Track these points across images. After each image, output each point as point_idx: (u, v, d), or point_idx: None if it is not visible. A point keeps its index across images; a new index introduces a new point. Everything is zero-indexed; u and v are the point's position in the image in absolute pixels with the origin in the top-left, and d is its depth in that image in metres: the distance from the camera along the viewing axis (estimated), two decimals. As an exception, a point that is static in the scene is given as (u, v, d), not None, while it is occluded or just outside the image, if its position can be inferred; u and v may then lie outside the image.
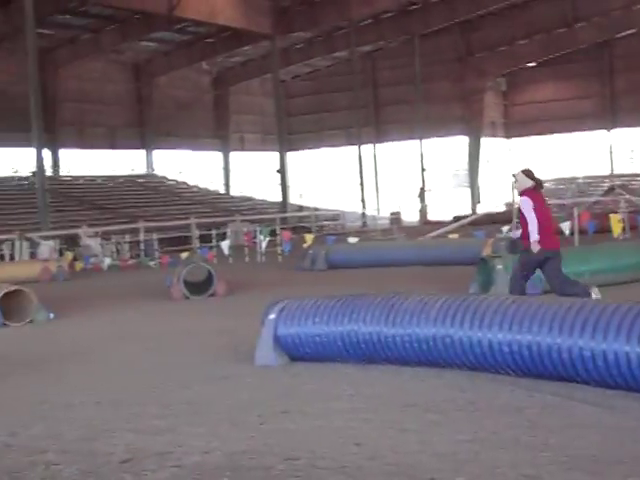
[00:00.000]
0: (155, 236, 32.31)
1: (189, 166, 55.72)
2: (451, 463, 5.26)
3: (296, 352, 8.87)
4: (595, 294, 10.14)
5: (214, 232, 33.52)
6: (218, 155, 59.60)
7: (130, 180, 49.78)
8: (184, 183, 52.57)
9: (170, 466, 5.55)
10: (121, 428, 6.60)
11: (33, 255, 28.09)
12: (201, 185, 53.52)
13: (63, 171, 48.58)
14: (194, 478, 5.30)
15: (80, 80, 48.98)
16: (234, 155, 60.11)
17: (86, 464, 5.71)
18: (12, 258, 28.04)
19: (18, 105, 41.13)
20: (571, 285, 10.44)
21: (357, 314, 8.42)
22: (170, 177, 53.02)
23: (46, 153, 37.62)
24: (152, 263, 27.91)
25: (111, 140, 51.39)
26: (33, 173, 37.55)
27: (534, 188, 10.51)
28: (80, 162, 49.92)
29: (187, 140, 55.69)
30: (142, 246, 31.71)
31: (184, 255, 23.85)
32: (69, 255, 27.36)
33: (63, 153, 48.66)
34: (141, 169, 53.39)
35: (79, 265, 26.70)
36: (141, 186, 48.96)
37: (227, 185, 59.15)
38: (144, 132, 53.29)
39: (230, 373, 8.68)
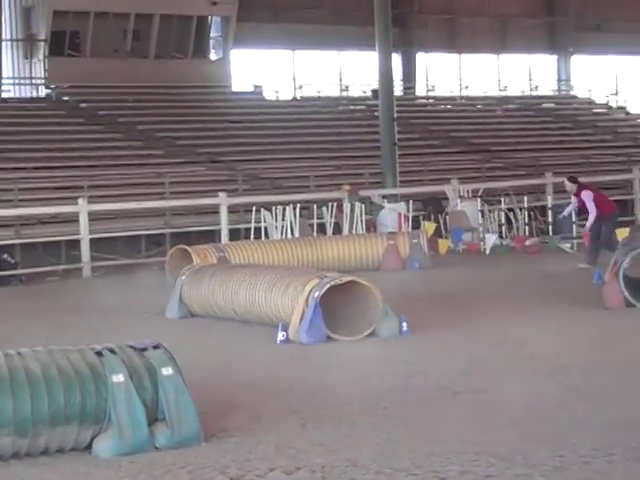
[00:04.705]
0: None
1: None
2: None
3: None
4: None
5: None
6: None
7: (531, 103, 50.25)
8: (613, 109, 52.11)
9: None
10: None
11: (371, 225, 28.88)
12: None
13: (421, 89, 49.53)
14: None
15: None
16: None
17: None
18: (338, 230, 28.52)
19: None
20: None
21: None
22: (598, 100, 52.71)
23: (396, 59, 38.15)
24: (567, 246, 27.82)
25: (501, 38, 51.79)
26: (374, 92, 38.30)
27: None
28: (449, 74, 50.56)
29: (624, 39, 54.83)
30: (550, 217, 31.37)
31: (622, 232, 23.74)
32: (430, 227, 27.65)
33: (422, 59, 49.56)
34: (549, 87, 53.65)
35: (444, 244, 27.51)
36: (549, 114, 49.06)
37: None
38: (554, 25, 53.48)
39: None
